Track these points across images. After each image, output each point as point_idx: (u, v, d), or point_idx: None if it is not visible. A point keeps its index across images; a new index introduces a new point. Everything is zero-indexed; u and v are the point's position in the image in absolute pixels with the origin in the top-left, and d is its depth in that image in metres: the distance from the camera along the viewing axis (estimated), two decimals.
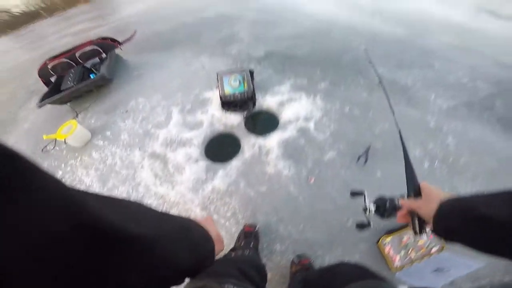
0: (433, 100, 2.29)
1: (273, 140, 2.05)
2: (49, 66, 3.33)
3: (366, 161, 1.81)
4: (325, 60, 2.87)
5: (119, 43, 3.67)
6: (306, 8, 4.82)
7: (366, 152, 1.82)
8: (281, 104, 2.32)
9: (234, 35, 3.76)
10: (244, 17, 4.61)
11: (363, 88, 2.44)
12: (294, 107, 2.28)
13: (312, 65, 2.78)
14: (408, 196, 0.69)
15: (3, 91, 5.22)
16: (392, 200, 0.74)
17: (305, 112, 2.21)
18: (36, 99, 3.91)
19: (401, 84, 2.51)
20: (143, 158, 2.17)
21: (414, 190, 0.67)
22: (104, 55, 3.50)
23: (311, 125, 2.11)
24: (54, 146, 2.65)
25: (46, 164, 2.55)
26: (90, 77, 3.17)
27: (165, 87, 2.86)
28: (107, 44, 3.49)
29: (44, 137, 2.51)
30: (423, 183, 0.64)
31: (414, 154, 1.83)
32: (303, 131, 2.08)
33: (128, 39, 3.88)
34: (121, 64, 3.84)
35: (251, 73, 2.36)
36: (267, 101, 2.36)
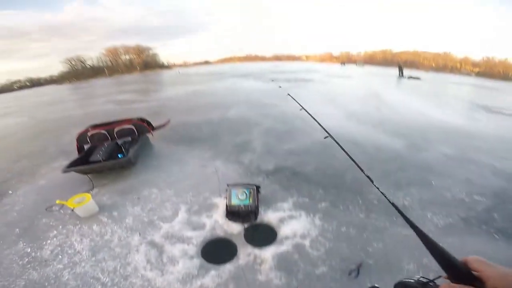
0: (430, 219, 2.37)
1: (268, 252, 2.12)
2: (89, 134, 3.81)
3: (357, 275, 1.85)
4: (328, 179, 3.13)
5: (153, 129, 4.23)
6: (317, 120, 5.50)
7: (358, 267, 1.89)
8: (281, 220, 2.46)
9: (249, 143, 4.29)
10: (262, 124, 5.35)
11: (361, 208, 2.59)
12: (293, 224, 2.41)
13: (316, 184, 3.02)
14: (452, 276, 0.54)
15: (37, 143, 5.76)
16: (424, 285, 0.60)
17: (302, 230, 2.33)
18: (62, 160, 4.31)
19: (398, 205, 2.67)
20: (141, 243, 2.25)
21: (456, 266, 0.53)
22: (136, 135, 3.98)
23: (307, 242, 2.20)
24: (60, 209, 2.81)
25: (44, 221, 2.67)
26: (118, 156, 3.56)
27: (178, 184, 3.14)
28: (143, 127, 4.04)
29: (57, 202, 2.71)
30: (474, 258, 0.53)
31: (408, 268, 1.85)
32: (298, 247, 2.16)
33: (161, 127, 4.50)
34: (147, 148, 4.31)
35: (258, 188, 2.62)
36: (268, 216, 2.52)
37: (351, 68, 38.13)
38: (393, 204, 0.93)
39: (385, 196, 0.95)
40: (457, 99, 9.65)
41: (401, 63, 28.01)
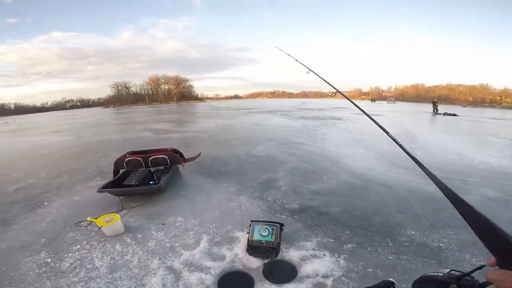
0: (468, 260, 2.20)
1: None
2: (126, 159, 4.13)
3: None
4: (356, 221, 3.00)
5: (184, 160, 4.49)
6: (345, 161, 5.45)
7: None
8: (303, 259, 2.36)
9: (274, 181, 4.29)
10: (287, 162, 5.35)
11: (390, 250, 2.43)
12: (315, 263, 2.30)
13: (342, 225, 2.92)
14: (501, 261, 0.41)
15: (78, 162, 6.29)
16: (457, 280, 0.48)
17: (325, 270, 2.21)
18: (98, 180, 4.64)
19: (432, 246, 2.47)
20: (159, 267, 2.26)
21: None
22: (169, 165, 4.23)
23: (329, 282, 2.07)
24: (88, 225, 2.97)
25: (70, 235, 2.83)
26: (150, 183, 3.77)
27: (203, 215, 3.20)
28: (175, 158, 4.29)
29: (88, 218, 2.89)
30: None
31: None
32: (319, 286, 2.04)
33: (193, 159, 4.76)
34: (177, 178, 4.52)
35: (281, 226, 2.60)
36: (290, 253, 2.45)
37: (381, 105, 37.75)
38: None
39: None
40: (498, 137, 8.89)
41: (435, 99, 27.14)
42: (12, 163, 6.80)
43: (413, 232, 2.72)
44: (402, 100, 64.03)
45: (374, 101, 54.00)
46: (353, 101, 1.52)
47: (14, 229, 3.02)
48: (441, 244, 2.53)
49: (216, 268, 2.28)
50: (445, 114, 19.11)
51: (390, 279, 0.70)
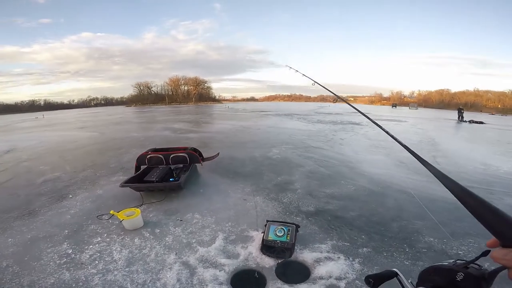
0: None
1: None
2: (148, 156, 4.29)
3: None
4: (372, 226, 2.95)
5: (203, 159, 4.58)
6: (363, 167, 5.34)
7: None
8: (317, 261, 2.35)
9: (290, 183, 4.28)
10: (304, 166, 5.31)
11: (407, 256, 2.39)
12: (329, 265, 2.28)
13: (358, 229, 2.88)
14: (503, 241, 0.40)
15: (102, 157, 6.58)
16: (464, 268, 0.48)
17: (339, 272, 2.19)
18: (120, 175, 4.83)
19: (450, 254, 2.42)
20: (175, 262, 2.33)
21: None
22: (188, 163, 4.34)
23: (342, 284, 2.06)
24: (109, 218, 3.10)
25: (92, 227, 2.95)
26: (169, 179, 3.89)
27: (219, 213, 3.25)
28: (194, 157, 4.39)
29: (111, 212, 3.00)
30: None
31: None
32: None
33: (211, 158, 4.85)
34: (196, 176, 4.62)
35: (297, 227, 2.61)
36: (304, 254, 2.44)
37: (403, 111, 36.52)
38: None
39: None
40: None
41: (461, 106, 25.89)
42: (41, 156, 7.22)
43: (432, 239, 2.66)
44: (425, 106, 61.64)
45: (395, 106, 52.15)
46: (352, 104, 1.64)
47: (40, 220, 3.17)
48: (459, 252, 2.47)
49: (230, 265, 2.31)
50: (471, 121, 18.18)
51: (394, 269, 0.68)
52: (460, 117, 19.50)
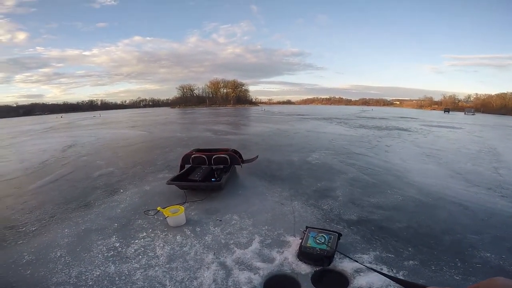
0: None
1: None
2: (192, 156, 4.49)
3: None
4: (421, 238, 2.74)
5: (243, 161, 4.65)
6: (412, 176, 4.93)
7: None
8: (357, 271, 2.22)
9: (330, 190, 4.12)
10: (346, 172, 5.08)
11: (458, 271, 2.19)
12: (370, 277, 2.15)
13: (405, 241, 2.68)
14: None
15: (149, 155, 7.06)
16: None
17: (380, 284, 2.05)
18: (165, 173, 5.13)
19: (508, 270, 2.19)
20: (213, 262, 2.37)
21: None
22: (229, 164, 4.44)
23: None
24: (155, 214, 3.27)
25: (139, 222, 3.13)
26: (211, 180, 4.03)
27: (257, 216, 3.26)
28: (235, 158, 4.48)
29: (158, 208, 3.18)
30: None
31: None
32: None
33: (250, 161, 4.91)
34: (235, 177, 4.72)
35: (339, 235, 2.50)
36: (343, 264, 2.33)
37: (457, 116, 33.00)
38: None
39: None
40: None
41: None
42: (97, 151, 8.03)
43: (488, 254, 2.41)
44: (483, 112, 54.87)
45: (448, 111, 47.30)
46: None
47: (94, 212, 3.44)
48: None
49: (265, 269, 2.29)
50: None
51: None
52: None
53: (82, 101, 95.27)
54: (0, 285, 2.11)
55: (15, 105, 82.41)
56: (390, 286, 2.04)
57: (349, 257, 2.44)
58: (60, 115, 51.39)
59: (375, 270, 1.92)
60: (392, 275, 2.19)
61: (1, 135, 16.03)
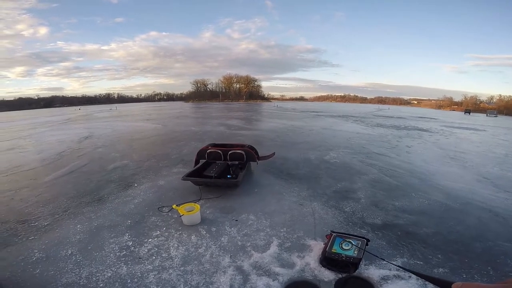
0: None
1: None
2: (208, 151, 4.37)
3: None
4: (451, 245, 2.59)
5: (259, 158, 4.50)
6: (437, 179, 4.67)
7: None
8: (384, 279, 2.09)
9: (352, 192, 3.92)
10: (366, 174, 4.84)
11: (490, 279, 2.07)
12: (398, 284, 2.03)
13: (433, 247, 2.53)
14: None
15: (164, 148, 7.03)
16: None
17: None
18: (180, 167, 5.05)
19: None
20: (230, 266, 2.24)
21: None
22: (244, 161, 4.29)
23: None
24: (169, 211, 3.16)
25: (152, 219, 3.02)
26: (227, 176, 3.89)
27: (274, 217, 3.11)
28: (251, 155, 4.34)
29: (173, 206, 3.05)
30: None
31: None
32: None
33: (267, 158, 4.75)
34: (250, 174, 4.58)
35: (367, 241, 2.34)
36: (369, 271, 2.18)
37: (479, 118, 31.54)
38: None
39: None
40: None
41: None
42: (113, 143, 8.09)
43: None
44: (506, 114, 52.22)
45: (469, 113, 45.19)
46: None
47: (107, 207, 3.35)
48: None
49: (285, 275, 2.15)
50: None
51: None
52: None
53: (100, 94, 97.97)
54: (8, 284, 2.04)
55: (36, 97, 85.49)
56: None
57: (381, 258, 2.28)
58: (78, 107, 52.93)
59: (407, 270, 1.78)
60: (421, 283, 2.05)
61: (22, 125, 16.61)
